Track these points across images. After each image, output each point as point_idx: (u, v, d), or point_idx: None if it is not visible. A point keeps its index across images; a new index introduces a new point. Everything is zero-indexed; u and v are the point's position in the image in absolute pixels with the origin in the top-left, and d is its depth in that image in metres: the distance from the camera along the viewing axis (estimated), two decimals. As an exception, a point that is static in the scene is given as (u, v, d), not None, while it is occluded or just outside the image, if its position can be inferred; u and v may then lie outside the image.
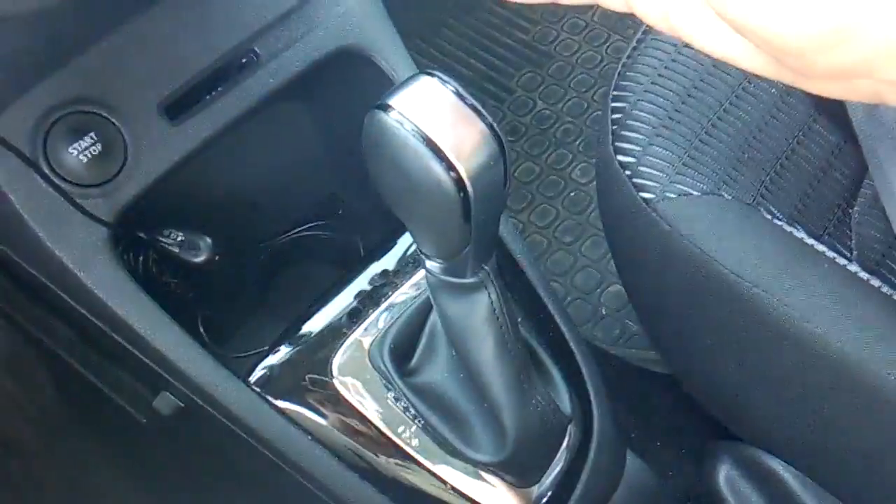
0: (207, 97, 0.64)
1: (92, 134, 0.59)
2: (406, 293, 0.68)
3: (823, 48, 0.27)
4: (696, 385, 0.77)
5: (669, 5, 0.34)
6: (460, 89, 0.44)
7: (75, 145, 0.58)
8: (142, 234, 0.66)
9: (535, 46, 1.48)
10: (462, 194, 0.44)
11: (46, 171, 0.58)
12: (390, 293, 0.68)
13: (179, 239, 0.67)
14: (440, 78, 0.44)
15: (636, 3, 0.35)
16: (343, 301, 0.69)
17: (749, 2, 0.28)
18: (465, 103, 0.44)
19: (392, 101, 0.43)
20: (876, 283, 0.56)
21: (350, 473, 0.64)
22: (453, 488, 0.65)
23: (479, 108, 0.44)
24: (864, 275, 0.57)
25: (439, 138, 0.43)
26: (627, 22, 1.43)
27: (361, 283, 0.70)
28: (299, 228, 0.87)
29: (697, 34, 0.34)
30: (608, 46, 1.46)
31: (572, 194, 1.34)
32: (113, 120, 0.60)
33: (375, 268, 0.71)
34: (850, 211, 0.63)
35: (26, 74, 0.58)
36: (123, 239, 0.64)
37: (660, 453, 1.03)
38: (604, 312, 1.23)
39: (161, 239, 0.66)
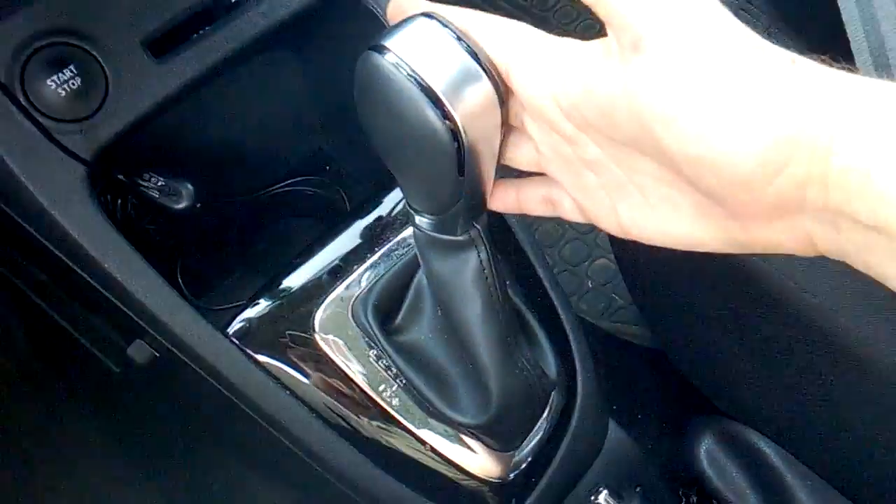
0: (194, 36, 0.61)
1: (72, 67, 0.56)
2: (392, 250, 0.67)
3: (767, 174, 0.33)
4: (684, 357, 0.76)
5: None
6: (460, 32, 0.42)
7: (54, 77, 0.56)
8: (121, 176, 0.64)
9: (532, 12, 1.45)
10: (457, 145, 0.42)
11: (23, 101, 0.55)
12: (376, 250, 0.67)
13: (160, 183, 0.65)
14: (439, 20, 0.42)
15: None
16: (326, 256, 0.67)
17: (705, 136, 0.34)
18: (465, 48, 0.42)
19: (388, 43, 0.41)
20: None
21: (328, 431, 0.63)
22: (433, 450, 0.64)
23: (479, 53, 0.42)
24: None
25: (436, 84, 0.41)
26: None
27: (346, 238, 0.68)
28: (285, 183, 0.86)
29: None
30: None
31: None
32: (94, 53, 0.57)
33: (361, 224, 0.69)
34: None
35: (5, 1, 0.55)
36: (102, 180, 0.62)
37: (641, 426, 1.03)
38: (590, 285, 1.22)
39: (141, 182, 0.64)
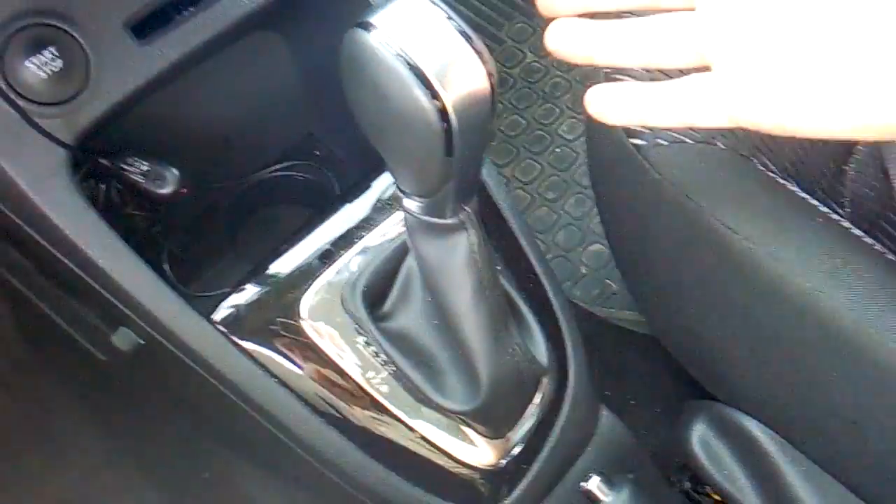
0: (178, 17, 0.60)
1: (52, 49, 0.55)
2: (381, 235, 0.66)
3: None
4: (677, 342, 0.76)
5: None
6: (450, 12, 0.41)
7: (33, 59, 0.54)
8: (104, 161, 0.63)
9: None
10: (445, 125, 0.41)
11: (2, 84, 0.54)
12: (365, 235, 0.66)
13: (144, 168, 0.63)
14: None
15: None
16: (315, 242, 0.66)
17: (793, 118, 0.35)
18: (455, 27, 0.41)
19: (375, 20, 0.40)
20: (869, 240, 0.55)
21: (316, 419, 0.62)
22: (422, 437, 0.64)
23: (470, 33, 0.41)
24: (857, 231, 0.55)
25: (424, 63, 0.40)
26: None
27: (335, 223, 0.67)
28: (273, 168, 0.85)
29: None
30: (602, -1, 1.42)
31: (558, 150, 1.32)
32: (75, 35, 0.56)
33: (350, 209, 0.68)
34: (846, 168, 0.61)
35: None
36: (84, 164, 0.61)
37: (634, 412, 1.02)
38: (584, 271, 1.22)
39: (124, 167, 0.63)
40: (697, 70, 0.39)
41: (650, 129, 0.59)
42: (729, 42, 0.36)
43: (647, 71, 0.54)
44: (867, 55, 0.33)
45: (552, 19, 0.42)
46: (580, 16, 0.42)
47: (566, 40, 0.41)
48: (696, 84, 0.39)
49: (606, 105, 0.42)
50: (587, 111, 0.42)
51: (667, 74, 0.42)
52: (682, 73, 0.39)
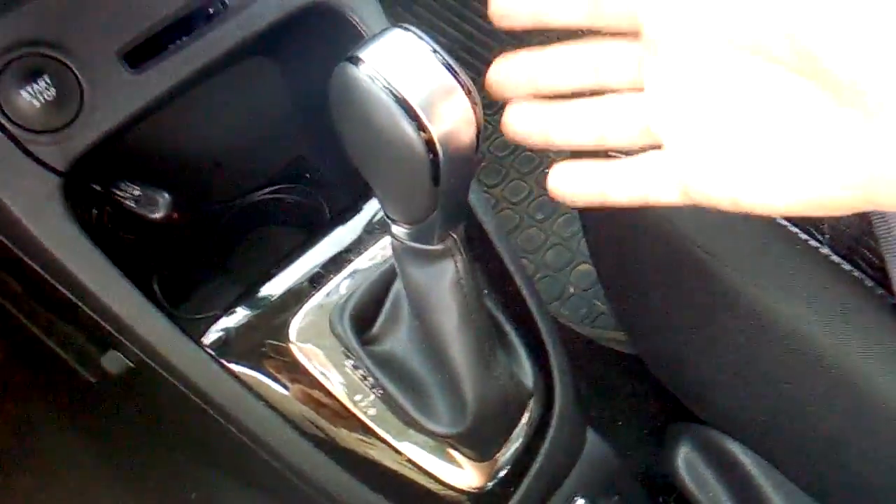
0: (171, 46, 0.61)
1: (46, 77, 0.56)
2: (370, 259, 0.67)
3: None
4: (661, 365, 0.76)
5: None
6: (436, 46, 0.42)
7: (28, 88, 0.55)
8: (96, 186, 0.64)
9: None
10: (432, 156, 0.42)
11: None
12: (354, 259, 0.67)
13: (136, 193, 0.64)
14: (415, 33, 0.42)
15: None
16: (305, 265, 0.67)
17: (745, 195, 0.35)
18: (441, 61, 0.42)
19: (363, 54, 0.41)
20: (847, 267, 0.56)
21: (304, 442, 0.62)
22: (409, 460, 0.64)
23: (455, 66, 0.42)
24: (835, 258, 0.56)
25: (411, 96, 0.41)
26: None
27: (324, 247, 0.68)
28: (264, 190, 0.85)
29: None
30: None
31: (546, 171, 1.33)
32: (69, 64, 0.57)
33: (340, 233, 0.69)
34: (824, 196, 0.62)
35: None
36: (77, 190, 0.62)
37: (620, 433, 1.03)
38: (572, 291, 1.22)
39: (117, 192, 0.64)
40: (652, 148, 0.39)
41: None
42: (677, 120, 0.36)
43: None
44: (814, 141, 0.32)
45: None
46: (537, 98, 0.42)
47: (522, 122, 0.42)
48: (650, 161, 0.39)
49: (568, 183, 0.42)
50: (549, 192, 0.43)
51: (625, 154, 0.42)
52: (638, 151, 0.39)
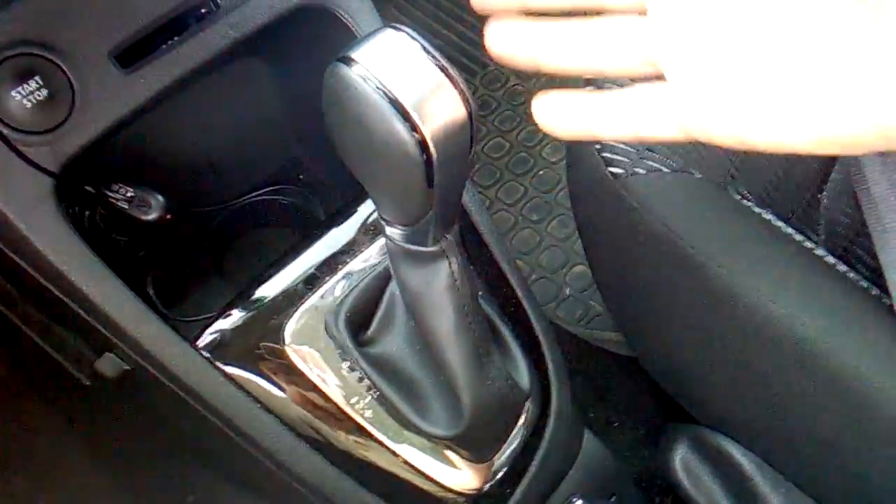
0: (163, 46, 0.61)
1: (37, 78, 0.56)
2: (365, 261, 0.67)
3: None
4: (657, 366, 0.76)
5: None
6: (428, 46, 0.42)
7: (19, 89, 0.55)
8: (89, 188, 0.63)
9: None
10: (425, 157, 0.42)
11: None
12: (349, 260, 0.66)
13: (129, 195, 0.64)
14: (407, 33, 0.42)
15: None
16: (299, 267, 0.67)
17: (750, 130, 0.33)
18: (433, 61, 0.42)
19: (355, 55, 0.41)
20: (842, 268, 0.56)
21: (300, 444, 0.62)
22: (405, 462, 0.64)
23: (448, 66, 0.42)
24: (830, 259, 0.56)
25: (403, 96, 0.41)
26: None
27: (319, 249, 0.67)
28: (258, 192, 0.85)
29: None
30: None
31: (541, 172, 1.33)
32: (61, 65, 0.56)
33: (334, 234, 0.68)
34: (820, 196, 0.62)
35: (-32, 12, 0.55)
36: (69, 191, 0.61)
37: (617, 434, 1.03)
38: (568, 292, 1.22)
39: (109, 194, 0.64)
40: (648, 79, 0.36)
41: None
42: (683, 49, 0.34)
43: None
44: (828, 64, 0.31)
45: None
46: (525, 15, 0.39)
47: (507, 41, 0.38)
48: (647, 93, 0.36)
49: (553, 115, 0.39)
50: (535, 121, 0.40)
51: (618, 84, 0.39)
52: (633, 82, 0.37)
